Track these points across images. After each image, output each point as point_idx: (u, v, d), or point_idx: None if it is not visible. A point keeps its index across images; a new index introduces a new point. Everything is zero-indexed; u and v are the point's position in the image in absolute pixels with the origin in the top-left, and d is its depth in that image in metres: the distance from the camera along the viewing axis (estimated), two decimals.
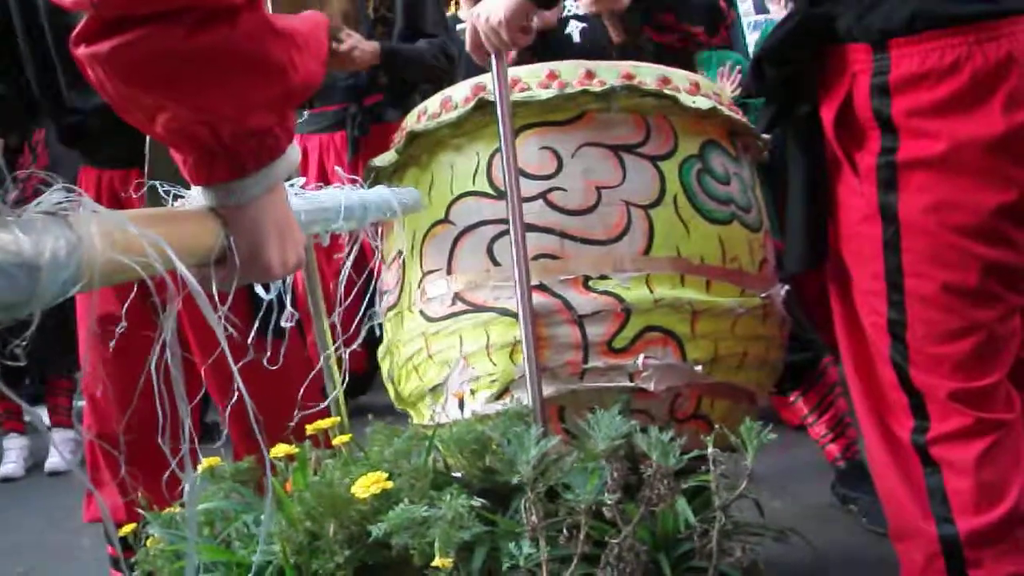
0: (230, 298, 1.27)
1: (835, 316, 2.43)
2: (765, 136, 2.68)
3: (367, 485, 1.96)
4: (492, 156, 2.44)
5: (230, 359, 1.08)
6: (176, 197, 1.79)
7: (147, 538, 2.19)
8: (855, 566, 3.24)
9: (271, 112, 1.20)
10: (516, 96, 2.38)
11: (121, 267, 0.83)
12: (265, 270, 1.28)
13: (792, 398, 3.80)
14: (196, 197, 1.26)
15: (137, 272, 0.87)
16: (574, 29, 3.48)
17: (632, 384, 2.36)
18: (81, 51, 1.09)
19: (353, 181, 2.26)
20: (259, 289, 2.14)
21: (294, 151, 1.27)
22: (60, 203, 0.78)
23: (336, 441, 2.29)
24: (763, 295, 2.53)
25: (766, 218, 2.68)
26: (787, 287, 2.67)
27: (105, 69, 1.09)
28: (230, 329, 1.13)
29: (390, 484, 1.96)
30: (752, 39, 6.28)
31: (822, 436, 3.76)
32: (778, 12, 6.63)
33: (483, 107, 2.41)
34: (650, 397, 2.38)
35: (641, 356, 2.35)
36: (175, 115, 1.13)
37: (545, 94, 2.40)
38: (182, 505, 2.26)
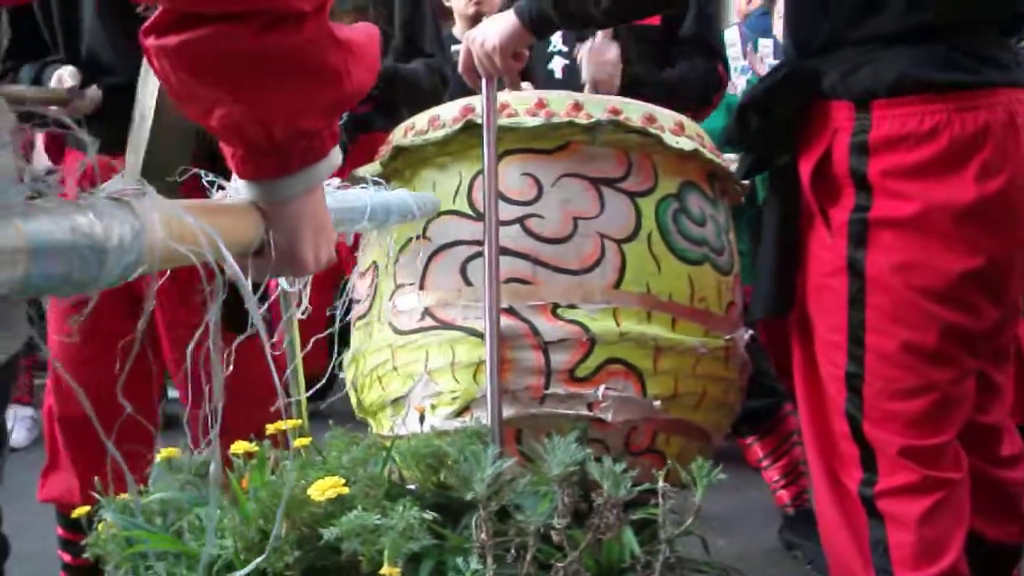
0: (260, 281, 1.32)
1: (795, 364, 2.47)
2: (744, 182, 2.73)
3: (323, 489, 1.98)
4: (474, 178, 2.47)
5: (216, 360, 1.10)
6: (218, 188, 1.82)
7: (99, 522, 2.20)
8: None
9: (322, 116, 1.24)
10: (503, 121, 2.41)
11: (176, 255, 0.86)
12: (299, 265, 1.32)
13: (749, 441, 3.83)
14: (236, 190, 1.29)
15: (190, 260, 0.90)
16: (556, 66, 3.51)
17: (590, 413, 2.39)
18: (150, 42, 1.12)
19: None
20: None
21: (336, 153, 1.31)
22: (124, 189, 0.81)
23: (296, 444, 2.31)
24: (727, 337, 2.56)
25: (737, 262, 2.71)
26: (751, 332, 2.70)
27: (171, 62, 1.13)
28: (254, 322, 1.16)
29: (346, 490, 1.98)
30: (739, 83, 6.31)
31: (775, 481, 3.81)
32: (767, 57, 6.67)
33: (470, 128, 2.44)
34: (607, 428, 2.40)
35: (602, 387, 2.38)
36: (232, 111, 1.16)
37: (532, 122, 2.43)
38: (139, 492, 2.27)
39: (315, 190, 1.31)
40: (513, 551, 1.84)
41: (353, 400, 2.76)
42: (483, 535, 1.80)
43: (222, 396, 1.02)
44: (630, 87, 3.12)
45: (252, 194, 1.27)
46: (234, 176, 1.29)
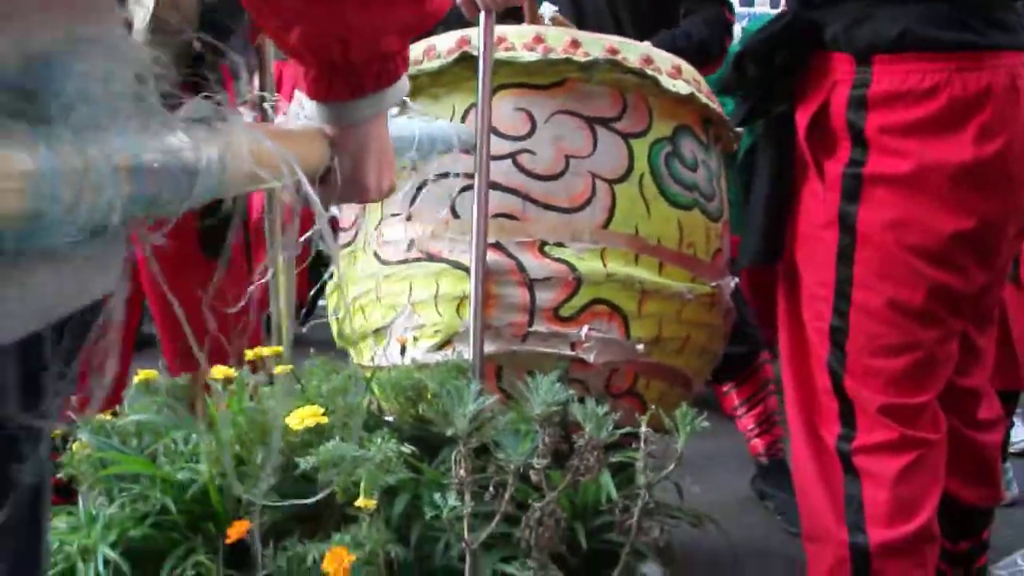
0: (324, 209, 1.30)
1: (779, 315, 2.47)
2: (737, 129, 2.71)
3: (302, 418, 1.97)
4: (467, 110, 2.44)
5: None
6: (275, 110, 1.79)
7: (74, 441, 2.18)
8: (766, 560, 3.30)
9: (401, 37, 1.20)
10: (500, 55, 2.39)
11: (256, 179, 0.84)
12: (363, 191, 1.29)
13: (726, 388, 3.84)
14: (297, 114, 1.26)
15: (266, 184, 0.88)
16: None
17: (572, 353, 2.38)
18: None
19: None
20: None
21: (405, 80, 1.27)
22: (206, 110, 0.79)
23: (277, 370, 2.29)
24: (713, 284, 2.55)
25: (727, 209, 2.70)
26: (737, 280, 2.70)
27: None
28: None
29: (324, 419, 1.97)
30: (735, 31, 6.28)
31: (749, 430, 3.81)
32: (762, 5, 6.63)
33: (465, 60, 2.41)
34: (588, 369, 2.40)
35: (585, 327, 2.37)
36: (314, 26, 1.13)
37: (529, 56, 2.40)
38: (114, 414, 2.26)
39: (382, 115, 1.28)
40: (492, 488, 1.83)
41: (334, 329, 2.75)
42: (462, 471, 1.79)
43: (291, 328, 1.00)
44: None
45: (320, 117, 1.23)
46: (295, 99, 1.27)
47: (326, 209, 1.24)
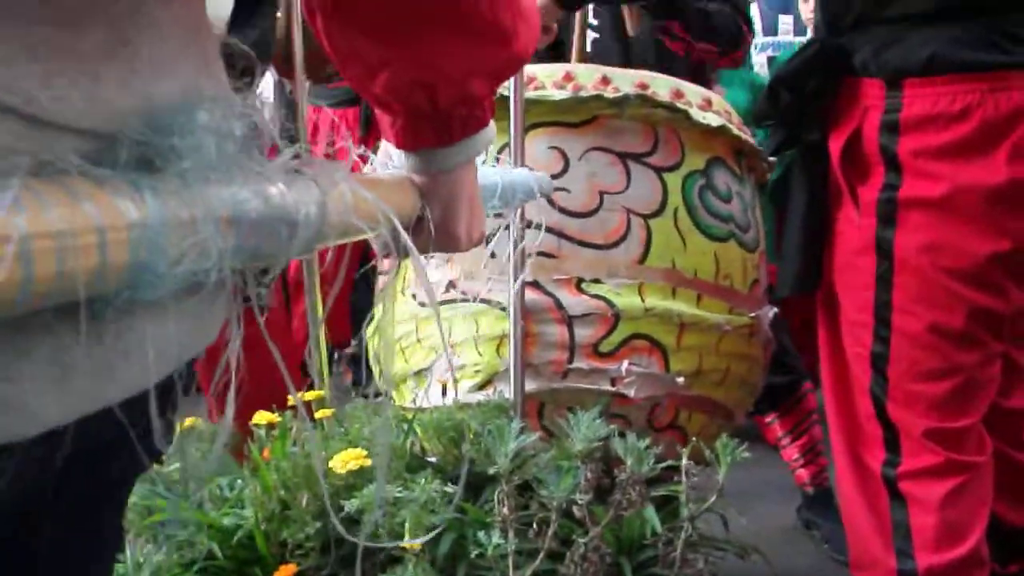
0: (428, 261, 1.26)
1: (820, 343, 2.46)
2: (771, 159, 2.71)
3: (345, 460, 1.98)
4: (501, 151, 2.45)
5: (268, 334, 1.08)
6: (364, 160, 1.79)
7: None
8: None
9: (489, 81, 1.17)
10: (530, 94, 2.40)
11: (355, 229, 0.84)
12: (453, 241, 1.25)
13: (769, 419, 3.82)
14: (384, 164, 1.25)
15: (364, 235, 0.87)
16: (587, 39, 3.47)
17: (613, 389, 2.39)
18: None
19: (364, 159, 2.27)
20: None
21: (492, 126, 1.24)
22: (299, 159, 0.78)
23: (318, 415, 2.31)
24: (752, 315, 2.55)
25: (763, 239, 2.70)
26: (775, 310, 2.69)
27: (337, 17, 1.07)
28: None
29: (367, 461, 1.98)
30: (758, 60, 6.28)
31: (794, 460, 3.78)
32: (786, 34, 6.63)
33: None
34: (629, 403, 2.40)
35: (625, 362, 2.37)
36: (399, 73, 1.10)
37: (559, 95, 2.42)
38: (159, 463, 2.27)
39: (471, 163, 1.24)
40: (535, 526, 1.84)
41: (376, 372, 2.76)
42: (505, 509, 1.80)
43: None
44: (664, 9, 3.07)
45: (409, 166, 1.20)
46: (381, 150, 1.24)
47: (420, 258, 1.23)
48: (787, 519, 3.87)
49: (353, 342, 3.61)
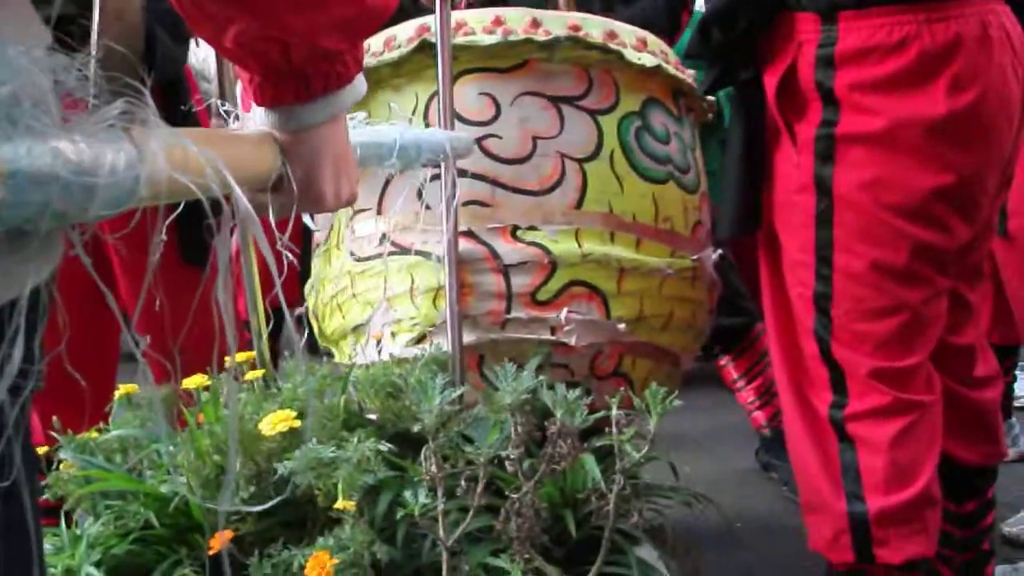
0: (290, 226, 1.24)
1: (762, 284, 2.43)
2: (710, 98, 2.67)
3: (275, 423, 1.93)
4: (430, 99, 2.41)
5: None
6: (235, 118, 1.74)
7: (59, 462, 2.16)
8: (770, 532, 3.26)
9: (343, 35, 1.15)
10: (459, 40, 2.35)
11: (179, 187, 0.79)
12: (318, 201, 1.23)
13: (723, 362, 3.80)
14: (254, 120, 1.21)
15: (193, 192, 0.83)
16: None
17: (553, 338, 2.35)
18: None
19: None
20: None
21: (361, 82, 1.22)
22: (122, 114, 0.74)
23: (249, 376, 2.26)
24: (694, 258, 2.51)
25: (704, 180, 2.66)
26: (719, 251, 2.65)
27: None
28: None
29: (297, 423, 1.93)
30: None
31: (750, 402, 3.77)
32: None
33: (425, 48, 2.37)
34: (571, 352, 2.36)
35: (564, 310, 2.33)
36: (247, 29, 1.08)
37: (488, 40, 2.36)
38: (97, 431, 2.23)
39: (338, 120, 1.22)
40: (463, 483, 1.79)
41: (315, 329, 2.72)
42: (433, 467, 1.75)
43: (235, 336, 0.94)
44: None
45: (270, 123, 1.17)
46: (252, 108, 1.22)
47: (281, 218, 1.19)
48: (746, 462, 3.87)
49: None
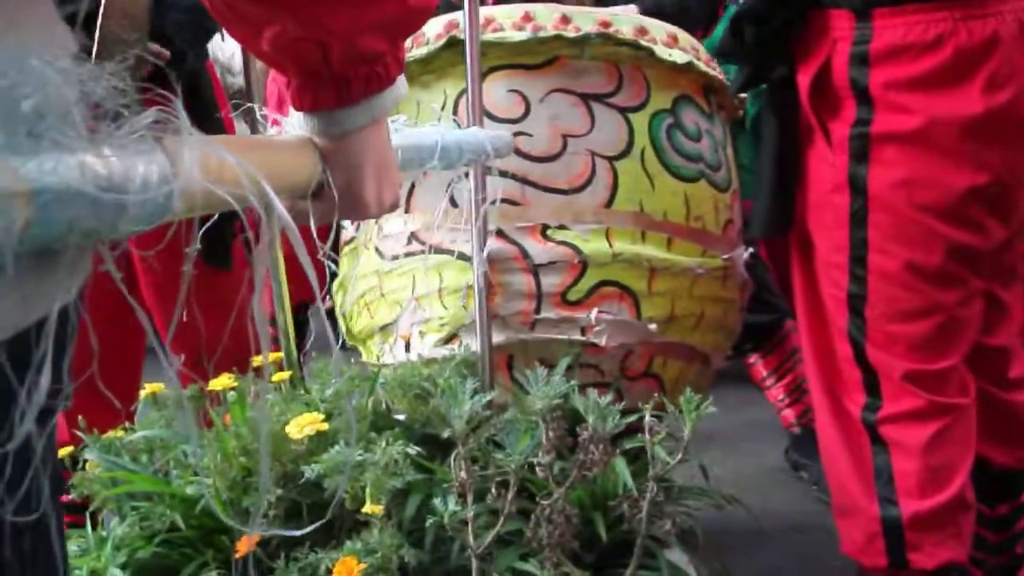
0: (331, 235, 1.22)
1: (795, 285, 2.40)
2: (741, 95, 2.64)
3: (301, 425, 1.92)
4: (459, 96, 2.39)
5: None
6: (273, 123, 1.71)
7: (85, 462, 2.15)
8: (801, 533, 3.23)
9: (384, 36, 1.11)
10: (488, 36, 2.32)
11: (215, 198, 0.77)
12: (360, 208, 1.19)
13: (752, 359, 3.77)
14: (293, 125, 1.19)
15: (229, 204, 0.80)
16: None
17: (583, 338, 2.33)
18: None
19: None
20: None
21: (402, 84, 1.18)
22: (154, 123, 0.72)
23: (276, 378, 2.24)
24: (725, 257, 2.49)
25: (735, 178, 2.63)
26: (751, 250, 2.63)
27: None
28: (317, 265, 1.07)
29: (325, 426, 1.92)
30: None
31: (779, 400, 3.74)
32: None
33: (454, 45, 2.35)
34: (601, 352, 2.34)
35: (595, 310, 2.31)
36: (285, 30, 1.05)
37: (518, 36, 2.34)
38: (124, 430, 2.22)
39: (379, 124, 1.18)
40: (494, 490, 1.77)
41: (342, 327, 2.70)
42: (463, 473, 1.73)
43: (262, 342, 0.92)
44: None
45: (309, 128, 1.14)
46: (291, 112, 1.19)
47: (318, 224, 1.16)
48: (774, 460, 3.83)
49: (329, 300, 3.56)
